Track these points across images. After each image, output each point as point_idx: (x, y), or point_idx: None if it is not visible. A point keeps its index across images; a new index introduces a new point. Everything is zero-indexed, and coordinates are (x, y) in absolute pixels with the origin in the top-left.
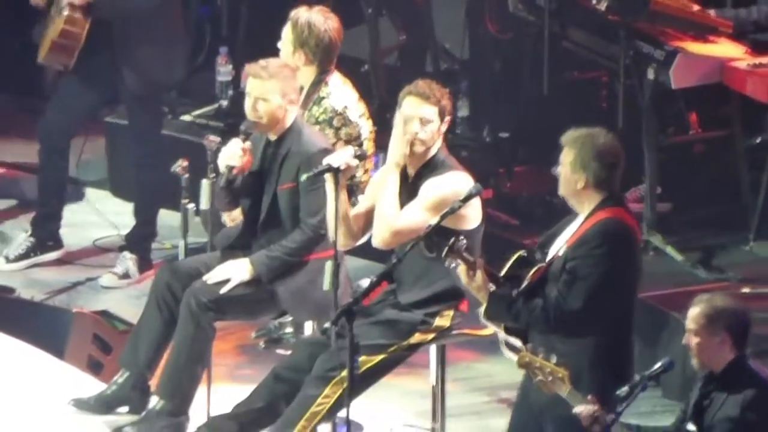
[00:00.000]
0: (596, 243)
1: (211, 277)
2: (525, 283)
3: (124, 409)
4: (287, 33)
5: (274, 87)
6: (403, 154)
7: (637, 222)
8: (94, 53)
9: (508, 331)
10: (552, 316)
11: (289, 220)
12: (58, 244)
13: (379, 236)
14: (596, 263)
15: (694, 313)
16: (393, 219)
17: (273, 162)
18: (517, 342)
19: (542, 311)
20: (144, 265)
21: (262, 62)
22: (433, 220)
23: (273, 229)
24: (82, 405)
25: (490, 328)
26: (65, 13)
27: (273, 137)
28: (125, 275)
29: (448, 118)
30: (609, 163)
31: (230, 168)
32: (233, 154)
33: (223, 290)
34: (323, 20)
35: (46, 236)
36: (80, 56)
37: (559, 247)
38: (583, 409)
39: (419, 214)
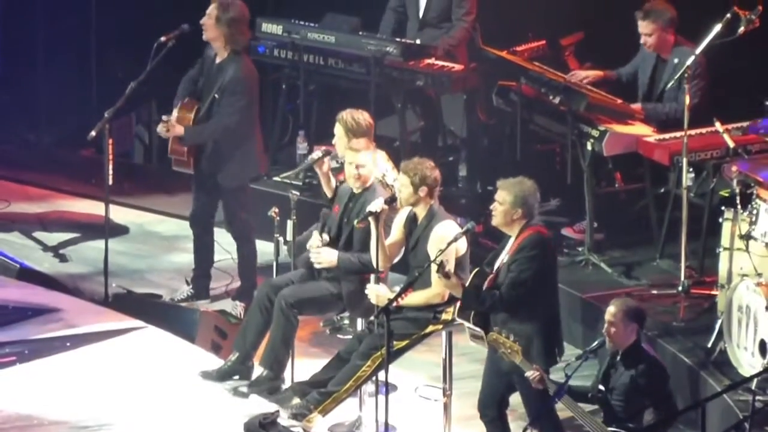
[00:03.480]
0: (528, 249)
1: (312, 256)
2: (485, 287)
3: (236, 377)
4: (339, 129)
5: (369, 158)
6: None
7: (549, 233)
8: (199, 164)
9: (475, 322)
10: (505, 298)
11: (360, 247)
12: (207, 294)
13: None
14: (529, 262)
15: (612, 310)
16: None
17: (354, 208)
18: (478, 330)
19: (499, 296)
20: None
21: (361, 140)
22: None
23: (348, 249)
24: (207, 375)
25: None
26: (170, 138)
27: (357, 191)
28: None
29: (425, 184)
30: (535, 199)
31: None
32: (315, 241)
33: (318, 265)
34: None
35: (200, 290)
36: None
37: (500, 261)
38: (530, 373)
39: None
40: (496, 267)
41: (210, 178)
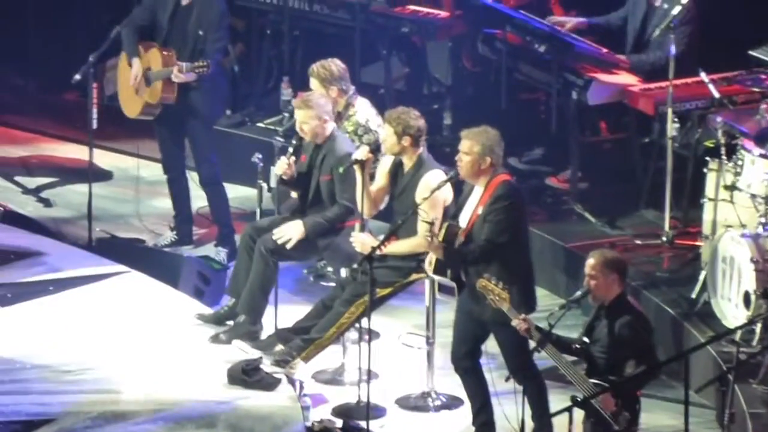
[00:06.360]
0: (504, 198)
1: (276, 234)
2: (461, 240)
3: (231, 322)
4: (314, 82)
5: (311, 114)
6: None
7: (515, 180)
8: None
9: (451, 276)
10: (487, 249)
11: (328, 200)
12: (190, 240)
13: None
14: (507, 211)
15: (592, 262)
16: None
17: (317, 160)
18: (449, 283)
19: (480, 248)
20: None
21: (303, 96)
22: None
23: (317, 206)
24: (204, 318)
25: None
26: (160, 84)
27: (318, 143)
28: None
29: (408, 134)
30: (501, 147)
31: (279, 175)
32: (281, 167)
33: (288, 245)
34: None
35: (183, 235)
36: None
37: (469, 213)
38: (517, 322)
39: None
40: (467, 219)
41: (181, 120)
